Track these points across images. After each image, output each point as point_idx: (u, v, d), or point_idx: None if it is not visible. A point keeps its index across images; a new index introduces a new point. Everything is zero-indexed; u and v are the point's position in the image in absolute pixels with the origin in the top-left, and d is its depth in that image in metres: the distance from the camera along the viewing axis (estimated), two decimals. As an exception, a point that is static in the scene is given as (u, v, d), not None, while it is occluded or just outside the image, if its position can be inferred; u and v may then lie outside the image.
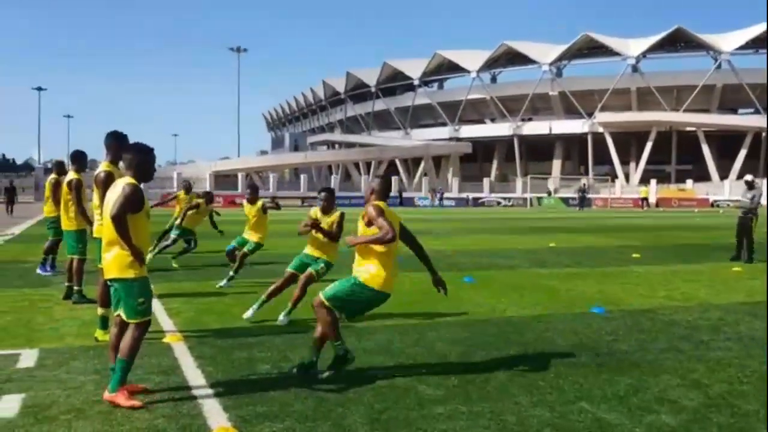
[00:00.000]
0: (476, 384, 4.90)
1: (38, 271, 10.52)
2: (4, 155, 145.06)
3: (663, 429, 4.07)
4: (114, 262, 4.47)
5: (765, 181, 58.44)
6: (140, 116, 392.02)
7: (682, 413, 4.33)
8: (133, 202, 4.43)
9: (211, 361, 5.46)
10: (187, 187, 13.87)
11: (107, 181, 5.69)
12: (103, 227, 4.81)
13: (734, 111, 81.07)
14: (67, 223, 8.26)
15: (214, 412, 4.25)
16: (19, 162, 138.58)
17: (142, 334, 4.52)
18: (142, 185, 4.61)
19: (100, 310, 6.18)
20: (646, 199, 56.19)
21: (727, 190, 64.24)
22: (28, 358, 5.47)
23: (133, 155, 4.64)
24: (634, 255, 14.44)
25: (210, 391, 4.69)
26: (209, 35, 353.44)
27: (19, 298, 8.31)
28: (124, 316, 4.50)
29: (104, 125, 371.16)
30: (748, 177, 14.39)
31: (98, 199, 5.89)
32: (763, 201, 14.37)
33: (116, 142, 5.85)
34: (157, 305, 7.95)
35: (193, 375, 5.06)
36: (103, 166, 6.18)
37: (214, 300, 8.46)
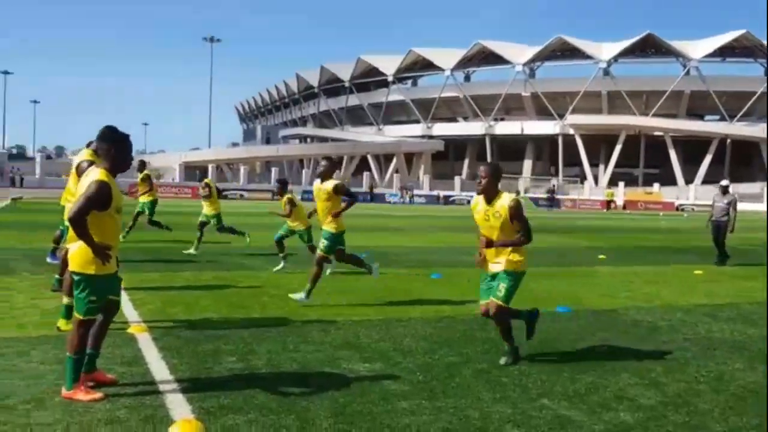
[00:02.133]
0: (441, 380, 4.95)
1: (48, 259, 10.17)
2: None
3: (621, 426, 4.15)
4: (77, 255, 4.34)
5: (766, 185, 59.65)
6: (110, 104, 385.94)
7: (640, 411, 4.43)
8: (96, 202, 4.22)
9: (176, 352, 5.42)
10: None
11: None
12: None
13: (701, 117, 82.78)
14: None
15: (177, 403, 4.23)
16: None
17: (86, 332, 4.36)
18: (116, 177, 4.45)
19: (65, 299, 6.07)
20: (612, 201, 57.16)
21: (692, 195, 65.59)
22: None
23: (109, 145, 4.42)
24: (600, 256, 14.66)
25: (174, 382, 4.66)
26: (183, 24, 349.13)
27: (-21, 286, 8.14)
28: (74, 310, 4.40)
29: (72, 112, 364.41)
30: (724, 182, 14.62)
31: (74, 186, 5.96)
32: (739, 208, 14.64)
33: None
34: (122, 295, 7.86)
35: (157, 366, 5.02)
36: (86, 155, 6.15)
37: (180, 292, 8.38)
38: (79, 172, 5.90)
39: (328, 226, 7.84)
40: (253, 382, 4.71)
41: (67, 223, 4.42)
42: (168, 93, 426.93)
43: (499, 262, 5.46)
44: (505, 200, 5.35)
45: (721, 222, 13.89)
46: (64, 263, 7.86)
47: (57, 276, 7.92)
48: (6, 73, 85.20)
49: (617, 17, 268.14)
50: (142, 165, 14.67)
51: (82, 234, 4.22)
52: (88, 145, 6.83)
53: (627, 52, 79.55)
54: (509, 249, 5.39)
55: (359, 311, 7.44)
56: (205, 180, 13.74)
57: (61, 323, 6.03)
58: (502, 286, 5.38)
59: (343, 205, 7.87)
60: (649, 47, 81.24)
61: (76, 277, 4.36)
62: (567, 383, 4.99)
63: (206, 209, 13.48)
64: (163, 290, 8.39)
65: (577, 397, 4.68)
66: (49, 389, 4.39)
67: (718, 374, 5.40)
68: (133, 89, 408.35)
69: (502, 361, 5.46)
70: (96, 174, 4.33)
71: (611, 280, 10.98)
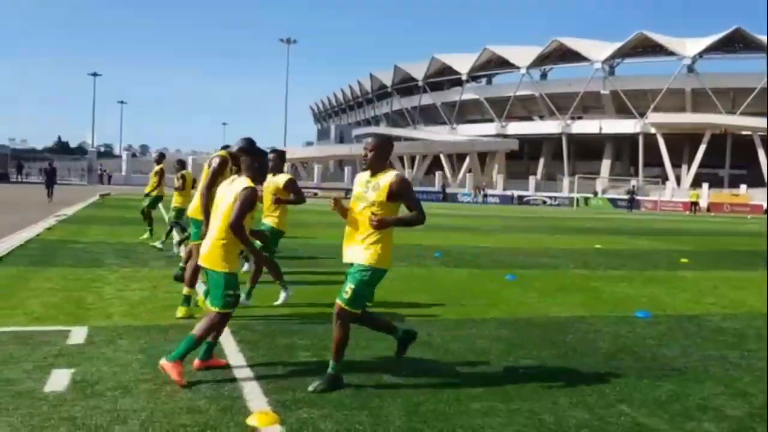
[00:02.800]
0: (515, 382, 4.87)
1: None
2: (59, 138, 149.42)
3: (705, 437, 3.99)
4: (213, 253, 4.77)
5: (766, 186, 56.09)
6: (191, 104, 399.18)
7: (725, 422, 4.23)
8: (250, 206, 4.75)
9: (253, 345, 5.55)
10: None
11: (220, 168, 6.68)
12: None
13: (793, 115, 78.28)
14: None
15: (254, 395, 4.33)
16: (72, 145, 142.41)
17: (221, 324, 4.83)
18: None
19: (185, 290, 6.66)
20: (696, 203, 54.82)
21: (782, 197, 62.17)
22: (77, 335, 5.65)
23: (253, 158, 4.98)
24: (683, 260, 14.11)
25: (251, 374, 4.77)
26: (260, 26, 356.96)
27: (70, 277, 8.58)
28: (208, 304, 4.86)
29: (156, 112, 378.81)
30: None
31: (206, 181, 6.61)
32: None
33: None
34: (201, 288, 8.12)
35: (235, 359, 5.15)
36: (220, 153, 6.86)
37: (259, 286, 8.57)
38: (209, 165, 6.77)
39: (270, 220, 7.62)
40: (328, 378, 4.76)
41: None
42: (246, 93, 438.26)
43: (354, 250, 4.60)
44: (389, 176, 4.61)
45: None
46: (189, 254, 8.37)
47: (181, 264, 8.53)
48: (95, 75, 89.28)
49: (703, 12, 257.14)
50: (161, 157, 13.99)
51: (243, 239, 4.75)
52: (223, 148, 7.27)
53: (713, 48, 76.15)
54: (370, 235, 4.54)
55: (433, 310, 7.42)
56: (182, 172, 12.27)
57: (180, 311, 6.55)
58: (350, 288, 4.52)
59: (291, 197, 7.55)
60: (736, 43, 77.49)
61: (214, 274, 4.76)
62: (647, 390, 4.83)
63: (175, 201, 11.95)
64: (243, 285, 8.59)
65: (656, 405, 4.52)
66: (135, 377, 4.59)
67: (811, 387, 5.10)
68: (212, 90, 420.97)
69: (311, 387, 4.43)
70: (244, 182, 4.83)
71: (695, 284, 10.55)
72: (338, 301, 4.61)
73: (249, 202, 4.73)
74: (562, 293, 9.05)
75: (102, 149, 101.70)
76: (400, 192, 4.60)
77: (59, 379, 4.45)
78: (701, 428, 4.12)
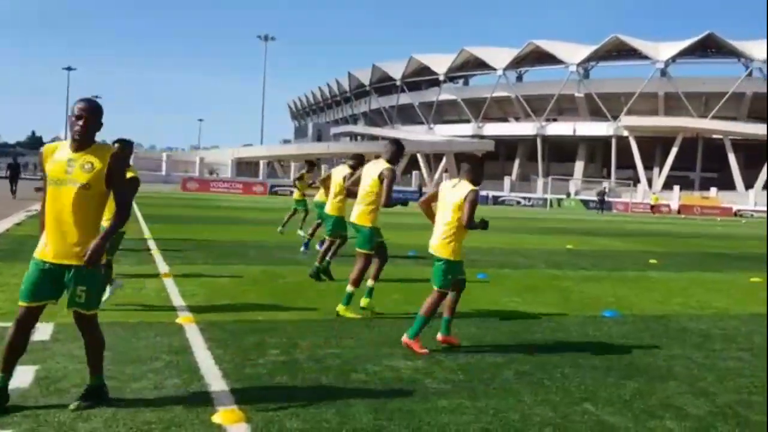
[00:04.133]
0: (482, 380, 4.91)
1: (317, 247, 11.50)
2: (33, 132, 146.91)
3: (666, 435, 4.05)
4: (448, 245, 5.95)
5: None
6: (167, 100, 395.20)
7: (687, 420, 4.31)
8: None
9: (222, 343, 5.52)
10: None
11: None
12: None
13: (763, 120, 79.80)
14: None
15: (221, 393, 4.31)
16: (45, 140, 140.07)
17: (438, 301, 5.79)
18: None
19: (349, 288, 6.93)
20: (654, 205, 56.29)
21: (752, 200, 63.41)
22: (42, 331, 5.55)
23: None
24: (651, 260, 14.32)
25: (218, 372, 4.75)
26: (238, 23, 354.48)
27: (38, 273, 8.45)
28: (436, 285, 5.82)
29: (132, 107, 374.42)
30: None
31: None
32: None
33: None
34: (171, 286, 8.06)
35: (203, 356, 5.12)
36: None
37: (228, 283, 8.54)
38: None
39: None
40: (296, 376, 4.77)
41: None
42: (223, 90, 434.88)
43: (65, 249, 3.85)
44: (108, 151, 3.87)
45: None
46: (325, 252, 9.03)
47: (316, 264, 9.05)
48: (69, 69, 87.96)
49: (676, 16, 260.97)
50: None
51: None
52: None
53: (686, 53, 77.26)
54: (87, 229, 3.84)
55: (404, 308, 7.44)
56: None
57: (340, 309, 6.87)
58: (80, 290, 3.85)
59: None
60: (709, 47, 78.72)
61: (441, 263, 5.84)
62: (612, 389, 4.90)
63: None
64: (212, 282, 8.56)
65: (621, 403, 4.58)
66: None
67: (772, 385, 5.21)
68: (188, 86, 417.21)
69: (73, 406, 3.88)
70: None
71: (663, 285, 10.70)
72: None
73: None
74: (532, 292, 9.14)
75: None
76: (119, 169, 3.91)
77: (23, 376, 4.38)
78: (663, 426, 4.19)
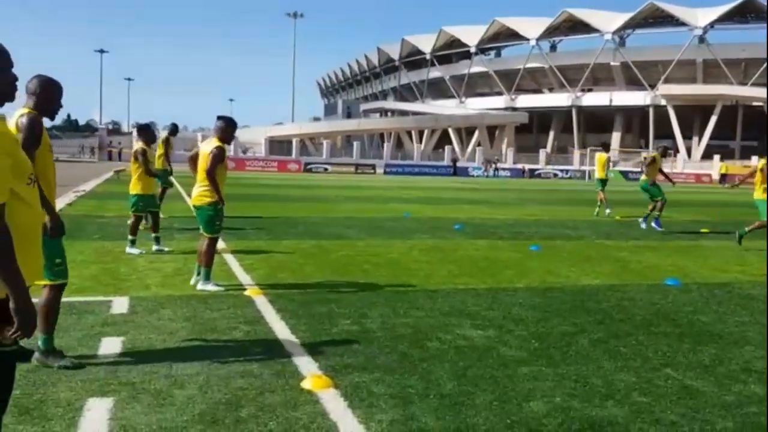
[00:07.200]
0: (558, 348, 4.91)
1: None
2: (69, 116, 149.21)
3: (754, 398, 4.01)
4: None
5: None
6: (198, 81, 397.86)
7: (772, 385, 4.26)
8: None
9: (293, 314, 5.60)
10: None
11: None
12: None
13: (805, 85, 77.32)
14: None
15: (303, 360, 4.38)
16: (81, 123, 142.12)
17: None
18: None
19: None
20: (726, 174, 54.91)
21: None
22: (120, 304, 5.72)
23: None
24: (703, 230, 14.08)
25: (296, 341, 4.83)
26: (266, 1, 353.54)
27: (101, 250, 8.66)
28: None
29: (163, 89, 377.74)
30: None
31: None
32: None
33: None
34: (231, 260, 8.20)
35: (279, 326, 5.21)
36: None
37: (284, 258, 8.64)
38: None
39: None
40: (372, 344, 4.82)
41: None
42: (252, 69, 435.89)
43: None
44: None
45: None
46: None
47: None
48: (102, 51, 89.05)
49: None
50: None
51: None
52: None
53: (724, 18, 75.07)
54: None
55: (462, 280, 7.45)
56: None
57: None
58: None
59: None
60: (748, 12, 76.32)
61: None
62: (689, 355, 4.86)
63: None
64: (270, 257, 8.67)
65: (701, 368, 4.55)
66: (184, 345, 4.65)
67: None
68: (219, 66, 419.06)
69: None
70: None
71: (719, 253, 10.54)
72: None
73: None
74: (589, 263, 9.06)
75: (110, 126, 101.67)
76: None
77: (111, 347, 4.52)
78: (749, 390, 4.15)
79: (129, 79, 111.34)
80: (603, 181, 17.57)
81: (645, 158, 13.34)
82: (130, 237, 8.69)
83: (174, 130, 13.12)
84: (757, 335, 5.49)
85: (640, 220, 14.08)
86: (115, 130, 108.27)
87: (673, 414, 3.69)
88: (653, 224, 13.72)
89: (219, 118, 6.66)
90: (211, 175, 6.41)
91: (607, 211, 17.04)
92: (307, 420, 3.42)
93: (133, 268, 7.52)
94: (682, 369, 4.52)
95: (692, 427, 3.53)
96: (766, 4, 70.68)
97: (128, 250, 8.55)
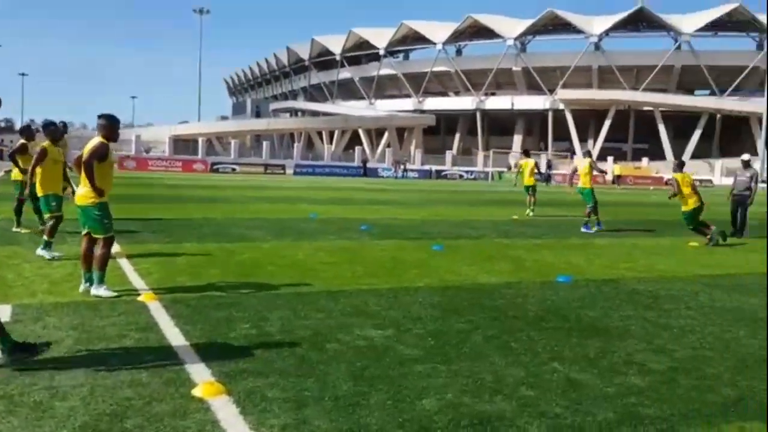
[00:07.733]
0: (453, 345, 5.03)
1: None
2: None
3: (633, 389, 4.24)
4: None
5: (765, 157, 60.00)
6: (98, 77, 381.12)
7: (650, 375, 4.53)
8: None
9: (188, 319, 5.46)
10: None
11: None
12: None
13: (691, 92, 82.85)
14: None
15: (196, 367, 4.28)
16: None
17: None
18: None
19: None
20: (620, 176, 57.86)
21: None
22: (2, 312, 5.39)
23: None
24: (594, 228, 14.77)
25: (190, 348, 4.71)
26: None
27: (-17, 256, 8.14)
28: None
29: (60, 85, 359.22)
30: (746, 156, 15.28)
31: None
32: (761, 179, 15.47)
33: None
34: (125, 265, 7.90)
35: (172, 333, 5.06)
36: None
37: (184, 261, 8.41)
38: None
39: None
40: (269, 348, 4.77)
41: None
42: (156, 65, 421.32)
43: None
44: None
45: (743, 196, 14.35)
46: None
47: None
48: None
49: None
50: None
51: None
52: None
53: (618, 27, 79.27)
54: None
55: (366, 281, 7.49)
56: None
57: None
58: None
59: None
60: (640, 21, 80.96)
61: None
62: (576, 348, 5.09)
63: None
64: (167, 260, 8.41)
65: (586, 361, 4.77)
66: (69, 354, 4.44)
67: (723, 341, 5.51)
68: (120, 61, 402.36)
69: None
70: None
71: (608, 251, 11.09)
72: None
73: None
74: (488, 261, 9.33)
75: (2, 124, 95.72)
76: None
77: (-12, 358, 4.25)
78: (629, 382, 4.38)
79: (23, 74, 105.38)
80: (531, 187, 18.33)
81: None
82: (45, 238, 8.15)
83: (28, 131, 11.10)
84: (640, 329, 5.81)
85: (584, 229, 14.44)
86: (8, 128, 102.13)
87: (558, 406, 3.86)
88: (597, 226, 14.60)
89: (100, 116, 6.41)
90: (88, 164, 6.14)
91: (529, 211, 18.06)
92: (196, 428, 3.35)
93: (18, 273, 7.11)
94: (568, 363, 4.72)
95: (575, 418, 3.69)
96: (656, 13, 75.04)
97: (40, 252, 8.04)
